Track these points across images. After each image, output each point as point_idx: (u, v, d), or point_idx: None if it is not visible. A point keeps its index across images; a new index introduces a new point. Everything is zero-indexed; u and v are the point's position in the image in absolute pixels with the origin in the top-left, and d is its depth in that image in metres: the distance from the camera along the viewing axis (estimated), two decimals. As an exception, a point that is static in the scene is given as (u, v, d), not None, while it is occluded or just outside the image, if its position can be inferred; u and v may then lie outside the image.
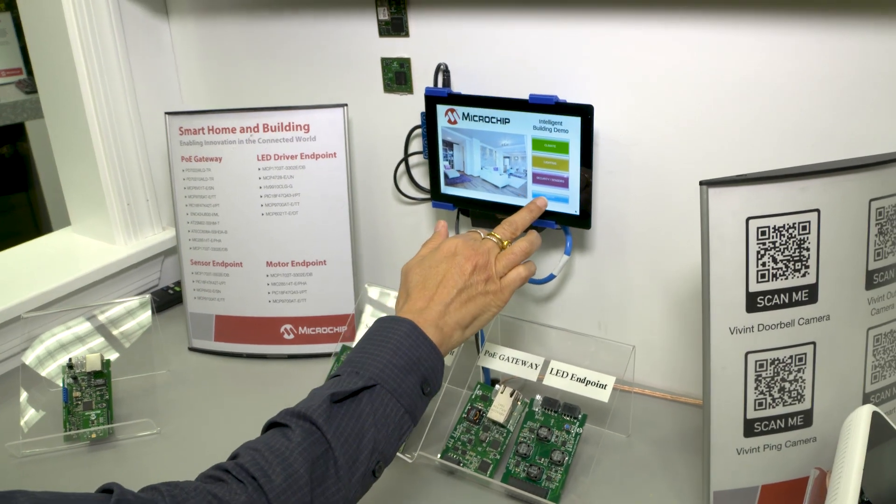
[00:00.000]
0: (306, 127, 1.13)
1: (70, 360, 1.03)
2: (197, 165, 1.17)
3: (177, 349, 1.22)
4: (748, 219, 0.71)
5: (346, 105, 1.13)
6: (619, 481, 0.90)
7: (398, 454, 0.93)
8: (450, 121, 1.01)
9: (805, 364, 0.75)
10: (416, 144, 1.13)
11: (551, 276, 1.02)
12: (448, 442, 0.93)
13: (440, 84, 1.05)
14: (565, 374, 0.91)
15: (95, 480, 0.63)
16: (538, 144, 0.96)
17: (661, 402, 1.03)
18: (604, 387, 0.89)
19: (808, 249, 0.73)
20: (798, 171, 0.71)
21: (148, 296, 1.15)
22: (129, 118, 1.29)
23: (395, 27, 1.08)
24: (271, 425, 0.70)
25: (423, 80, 1.09)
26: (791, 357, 0.75)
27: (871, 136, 0.82)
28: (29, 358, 1.07)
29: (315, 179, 1.14)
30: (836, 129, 0.84)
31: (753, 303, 0.73)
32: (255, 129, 1.14)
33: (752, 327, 0.74)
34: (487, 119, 0.98)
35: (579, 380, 0.90)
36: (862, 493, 0.62)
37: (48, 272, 1.25)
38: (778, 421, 0.76)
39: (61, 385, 1.02)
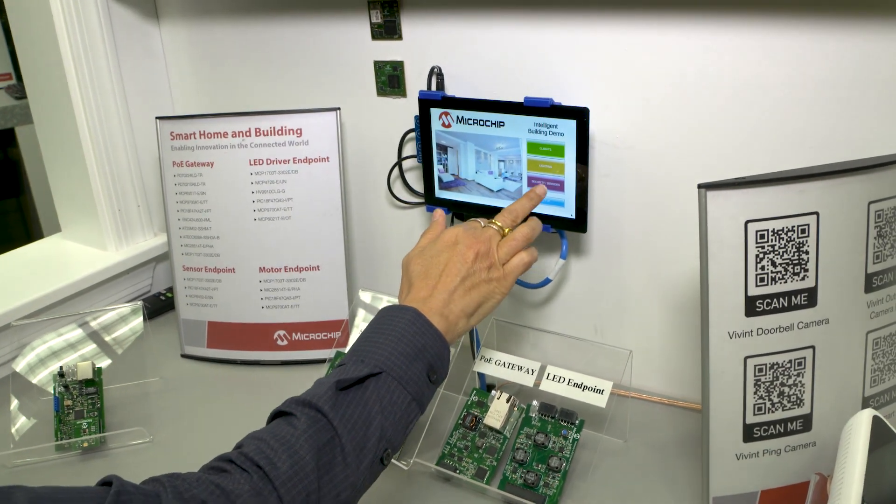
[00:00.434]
0: (299, 131, 1.12)
1: (61, 368, 1.02)
2: (188, 170, 1.16)
3: (169, 356, 1.21)
4: (747, 222, 0.71)
5: (339, 109, 1.12)
6: (617, 487, 0.89)
7: (393, 461, 0.92)
8: (444, 124, 1.00)
9: (804, 368, 0.75)
10: (410, 148, 1.12)
11: (547, 281, 1.01)
12: (444, 448, 0.92)
13: (434, 87, 1.04)
14: (562, 380, 0.91)
15: (87, 490, 0.62)
16: (533, 148, 0.95)
17: (659, 406, 1.02)
18: (601, 392, 0.88)
19: (807, 253, 0.72)
20: (796, 174, 0.71)
21: (140, 302, 1.14)
22: (120, 123, 1.28)
23: (388, 30, 1.07)
24: (276, 415, 0.70)
25: (416, 83, 1.08)
26: (790, 361, 0.74)
27: (869, 139, 0.82)
28: (20, 365, 1.06)
29: (308, 184, 1.13)
30: (835, 132, 0.83)
31: (752, 307, 0.73)
32: (247, 134, 1.13)
33: (751, 331, 0.73)
34: (482, 122, 0.97)
35: (576, 385, 0.90)
36: (862, 498, 0.61)
37: (38, 279, 1.24)
38: (777, 426, 0.76)
39: (52, 393, 1.01)
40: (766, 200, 0.71)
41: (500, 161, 0.98)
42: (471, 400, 0.95)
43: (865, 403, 0.78)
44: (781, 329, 0.74)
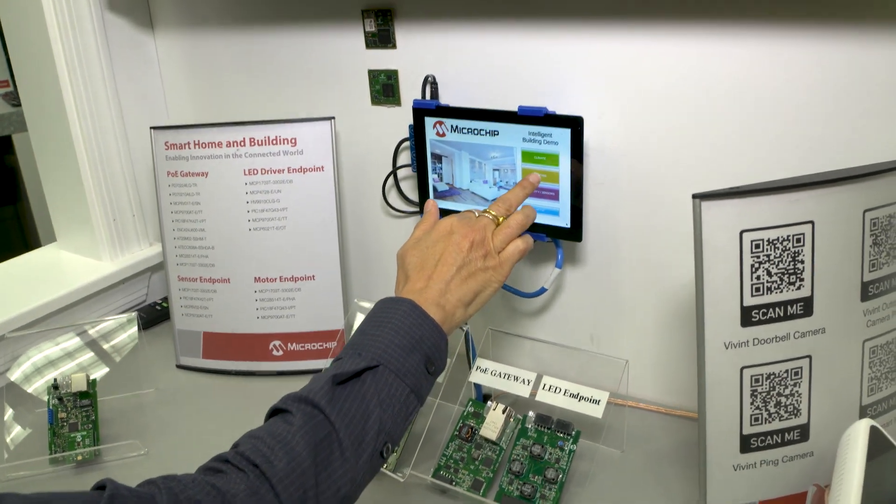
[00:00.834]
0: (293, 141, 1.12)
1: (55, 380, 1.01)
2: (183, 180, 1.15)
3: (164, 367, 1.21)
4: (742, 232, 0.71)
5: (334, 118, 1.11)
6: (615, 498, 0.88)
7: (388, 473, 0.92)
8: (438, 133, 1.00)
9: (801, 378, 0.74)
10: (405, 157, 1.12)
11: (543, 290, 1.01)
12: (440, 460, 0.92)
13: (428, 96, 1.04)
14: (558, 390, 0.90)
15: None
16: (528, 157, 0.95)
17: (656, 415, 1.02)
18: (597, 402, 0.88)
19: (802, 262, 0.72)
20: (791, 183, 0.70)
21: (134, 313, 1.14)
22: (115, 133, 1.27)
23: (382, 39, 1.07)
24: (273, 412, 0.70)
25: (410, 91, 1.07)
26: (787, 371, 0.74)
27: (863, 145, 0.82)
28: (14, 375, 1.05)
29: (303, 193, 1.12)
30: (828, 139, 0.83)
31: (748, 317, 0.72)
32: (242, 144, 1.13)
33: (747, 342, 0.73)
34: (476, 131, 0.97)
35: (572, 395, 0.89)
36: (860, 507, 0.61)
37: (33, 290, 1.23)
38: (774, 436, 0.75)
39: (47, 406, 1.00)
40: (761, 210, 0.70)
41: (494, 170, 0.98)
42: (466, 411, 0.95)
43: (863, 412, 0.77)
44: (777, 339, 0.73)
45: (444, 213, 1.03)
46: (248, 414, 1.06)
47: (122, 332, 1.14)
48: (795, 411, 0.75)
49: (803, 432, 0.76)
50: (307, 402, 0.67)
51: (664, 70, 0.89)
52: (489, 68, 1.00)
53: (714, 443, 0.75)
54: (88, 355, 1.12)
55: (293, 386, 1.11)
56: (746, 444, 0.75)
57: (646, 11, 0.88)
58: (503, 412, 0.91)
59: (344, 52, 1.11)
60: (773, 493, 0.77)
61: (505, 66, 0.99)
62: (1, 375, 1.12)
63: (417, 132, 1.02)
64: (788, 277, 0.72)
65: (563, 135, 0.91)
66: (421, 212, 1.06)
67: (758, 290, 0.72)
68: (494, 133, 0.96)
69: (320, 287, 1.14)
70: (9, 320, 1.14)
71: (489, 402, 0.94)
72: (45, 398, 1.01)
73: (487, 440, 0.91)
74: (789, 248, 0.71)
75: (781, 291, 0.72)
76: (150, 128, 1.17)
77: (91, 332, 1.13)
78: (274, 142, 1.12)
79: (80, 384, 1.00)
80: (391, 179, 1.14)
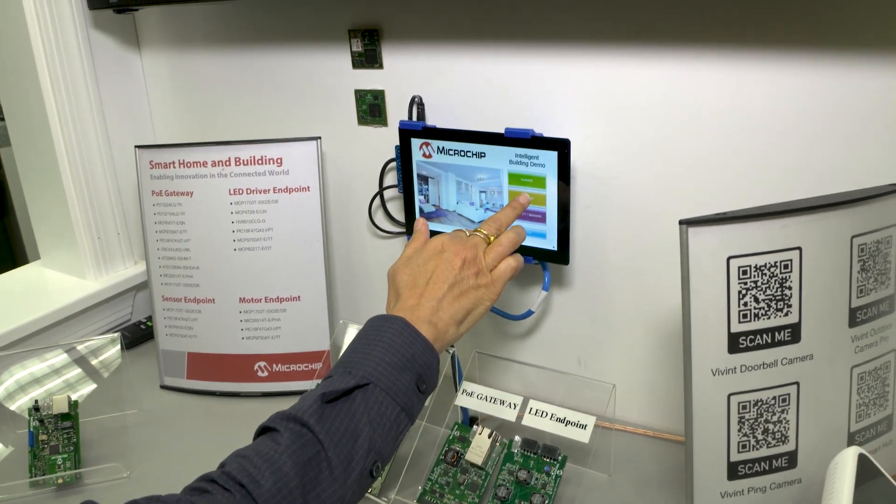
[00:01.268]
0: (279, 160, 1.11)
1: (36, 402, 1.00)
2: (168, 200, 1.14)
3: (148, 387, 1.19)
4: (729, 258, 0.70)
5: (320, 138, 1.11)
6: (602, 524, 0.88)
7: (373, 497, 0.91)
8: (424, 154, 0.99)
9: (789, 405, 0.74)
10: (391, 178, 1.11)
11: (529, 312, 1.00)
12: (425, 484, 0.91)
13: (415, 117, 1.03)
14: (545, 414, 0.89)
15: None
16: (514, 179, 0.95)
17: (643, 438, 1.01)
18: (584, 427, 0.87)
19: (790, 288, 0.72)
20: (778, 209, 0.70)
21: (118, 334, 1.12)
22: (100, 150, 1.26)
23: (368, 59, 1.06)
24: (262, 430, 0.69)
25: (397, 112, 1.07)
26: (774, 398, 0.73)
27: (850, 171, 0.81)
28: (-6, 395, 1.04)
29: (288, 214, 1.12)
30: (815, 164, 0.83)
31: (735, 343, 0.72)
32: (227, 163, 1.12)
33: (735, 368, 0.72)
34: (463, 153, 0.97)
35: (559, 420, 0.88)
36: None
37: (16, 308, 1.22)
38: (762, 463, 0.75)
39: (28, 428, 0.99)
40: (749, 236, 0.70)
41: (481, 192, 0.97)
42: (452, 434, 0.94)
43: (851, 439, 0.77)
44: (765, 365, 0.73)
45: (432, 234, 1.03)
46: (232, 435, 1.06)
47: (106, 353, 1.13)
48: (783, 438, 0.75)
49: (791, 459, 0.75)
50: (296, 420, 0.67)
51: (652, 94, 0.89)
52: (476, 90, 1.00)
53: (701, 470, 0.74)
54: (71, 375, 1.11)
55: (278, 407, 1.10)
56: (734, 472, 0.74)
57: (633, 35, 0.87)
58: (489, 436, 0.90)
59: (330, 71, 1.11)
60: (761, 521, 0.76)
61: (492, 87, 0.99)
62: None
63: (404, 153, 1.01)
64: (776, 304, 0.72)
65: (550, 157, 0.91)
66: (408, 232, 1.06)
67: (745, 316, 0.71)
68: (481, 155, 0.95)
69: (306, 308, 1.13)
70: (-9, 340, 1.13)
71: (475, 426, 0.93)
72: (26, 419, 0.99)
73: (473, 465, 0.90)
74: (777, 275, 0.71)
75: (769, 318, 0.72)
76: (135, 147, 1.16)
77: (74, 351, 1.12)
78: (260, 161, 1.11)
79: (61, 406, 0.99)
80: (377, 200, 1.13)
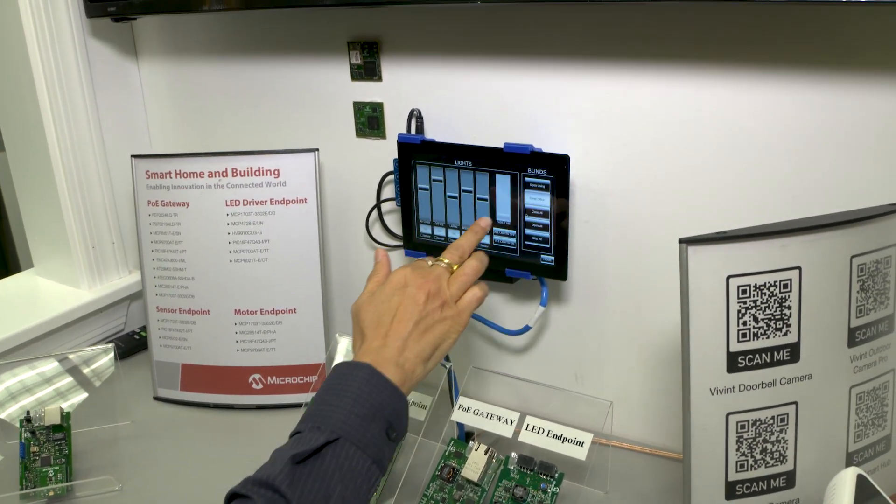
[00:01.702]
0: (276, 172, 1.11)
1: (28, 413, 0.98)
2: (163, 210, 1.14)
3: (141, 399, 1.18)
4: (728, 277, 0.70)
5: (318, 150, 1.10)
6: (598, 542, 0.87)
7: (369, 514, 0.90)
8: (423, 168, 0.99)
9: (787, 424, 0.74)
10: (389, 191, 1.11)
11: (527, 328, 1.00)
12: (421, 501, 0.90)
13: (413, 130, 1.03)
14: (541, 431, 0.89)
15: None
16: (514, 194, 0.94)
17: (640, 455, 1.00)
18: (581, 444, 0.87)
19: (789, 308, 0.71)
20: (778, 229, 0.70)
21: (111, 345, 1.11)
22: (95, 159, 1.26)
23: (367, 71, 1.06)
24: (233, 496, 0.67)
25: (396, 124, 1.07)
26: (773, 418, 0.73)
27: (850, 191, 0.81)
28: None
29: (285, 226, 1.11)
30: (818, 183, 0.83)
31: (734, 363, 0.72)
32: (224, 174, 1.11)
33: (733, 388, 0.72)
34: (462, 167, 0.96)
35: (556, 436, 0.88)
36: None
37: (8, 317, 1.21)
38: (760, 483, 0.75)
39: (19, 439, 0.98)
40: (748, 255, 0.70)
41: (479, 205, 0.97)
42: (448, 450, 0.93)
43: (850, 459, 0.76)
44: (764, 385, 0.72)
45: (430, 248, 1.02)
46: (226, 448, 1.06)
47: (99, 363, 1.12)
48: (781, 458, 0.74)
49: (789, 479, 0.75)
50: (267, 486, 0.65)
51: (651, 110, 0.89)
52: (475, 104, 1.00)
53: (699, 489, 0.74)
54: (63, 386, 1.10)
55: (273, 420, 1.11)
56: (732, 491, 0.74)
57: (633, 52, 0.87)
58: (485, 453, 0.90)
59: (329, 83, 1.11)
60: (759, 541, 0.76)
61: (491, 102, 0.98)
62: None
63: (402, 167, 1.01)
64: (775, 323, 0.71)
65: (549, 172, 0.91)
66: (406, 246, 1.05)
67: (744, 335, 0.71)
68: (480, 169, 0.95)
69: (302, 320, 1.13)
70: (-17, 350, 1.12)
71: (471, 442, 0.92)
72: (17, 431, 0.98)
73: (469, 481, 0.90)
74: (776, 294, 0.71)
75: (768, 337, 0.72)
76: (131, 156, 1.15)
77: (67, 361, 1.11)
78: (257, 173, 1.11)
79: (53, 417, 0.98)
80: (375, 213, 1.13)
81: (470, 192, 0.97)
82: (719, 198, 0.88)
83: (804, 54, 0.79)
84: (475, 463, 0.90)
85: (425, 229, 1.03)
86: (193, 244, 1.14)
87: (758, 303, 0.71)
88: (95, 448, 1.06)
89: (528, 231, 0.95)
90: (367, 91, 1.08)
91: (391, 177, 1.09)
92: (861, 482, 0.66)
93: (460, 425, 0.96)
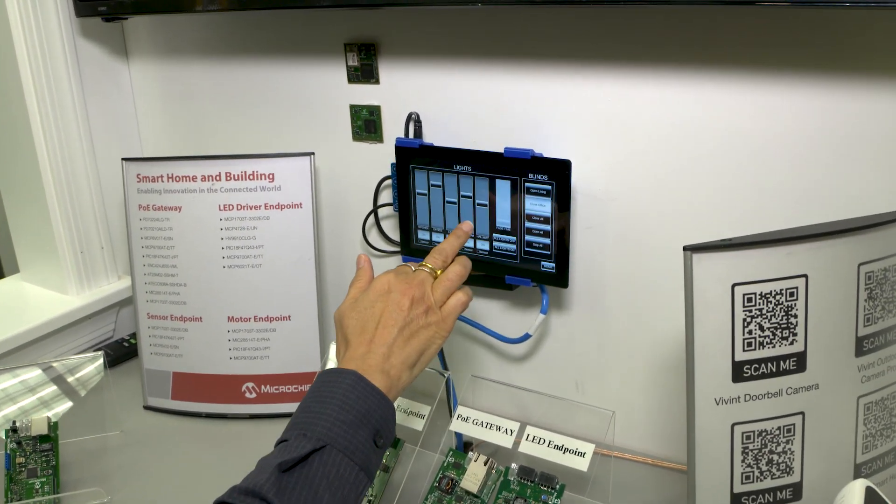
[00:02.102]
0: (271, 176, 1.09)
1: (14, 423, 0.97)
2: (155, 214, 1.12)
3: (131, 408, 1.16)
4: (734, 285, 0.69)
5: (313, 153, 1.09)
6: (600, 555, 0.86)
7: (366, 526, 0.89)
8: (421, 172, 0.98)
9: (794, 435, 0.73)
10: (386, 195, 1.09)
11: (527, 336, 0.99)
12: (419, 512, 0.88)
13: (411, 134, 1.02)
14: (542, 441, 0.87)
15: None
16: (514, 199, 0.93)
17: (643, 466, 0.99)
18: (582, 455, 0.85)
19: (795, 316, 0.70)
20: (784, 236, 0.69)
21: (100, 353, 1.09)
22: (84, 162, 1.24)
23: (364, 74, 1.04)
24: None
25: (393, 128, 1.05)
26: (779, 428, 0.72)
27: (858, 196, 0.81)
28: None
29: (280, 231, 1.10)
30: (823, 189, 0.82)
31: (740, 372, 0.71)
32: (217, 178, 1.10)
33: (739, 398, 0.71)
34: (461, 172, 0.95)
35: (557, 447, 0.87)
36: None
37: (-6, 324, 1.19)
38: (766, 494, 0.73)
39: (4, 450, 0.96)
40: (754, 263, 0.69)
41: (478, 210, 0.96)
42: (447, 461, 0.92)
43: (857, 470, 0.75)
44: (770, 395, 0.71)
45: (426, 253, 1.01)
46: (219, 459, 1.04)
47: (87, 372, 1.09)
48: (788, 469, 0.73)
49: (796, 491, 0.74)
50: (254, 494, 0.64)
51: (655, 114, 0.88)
52: (475, 108, 0.99)
53: (703, 501, 0.73)
54: (50, 395, 1.07)
55: (266, 430, 1.09)
56: (737, 503, 0.73)
57: (635, 57, 0.87)
58: (485, 463, 0.88)
59: (325, 86, 1.09)
60: (765, 555, 0.74)
61: (491, 106, 0.97)
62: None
63: (400, 171, 0.99)
64: (781, 332, 0.70)
65: (550, 178, 0.89)
66: (403, 252, 1.04)
67: (749, 344, 0.70)
68: (480, 174, 0.94)
69: (297, 328, 1.11)
70: (-33, 358, 1.10)
71: (470, 452, 0.91)
72: (2, 444, 0.96)
73: (468, 493, 0.88)
74: (782, 302, 0.70)
75: (774, 346, 0.71)
76: (122, 159, 1.14)
77: (53, 369, 1.09)
78: (251, 177, 1.09)
79: (40, 427, 0.96)
80: (372, 218, 1.11)
81: (469, 197, 0.96)
82: (725, 202, 0.87)
83: (803, 58, 0.79)
84: (474, 474, 0.88)
85: (423, 235, 1.01)
86: (186, 249, 1.12)
87: (764, 311, 0.70)
88: (84, 459, 1.04)
89: (528, 237, 0.94)
90: (364, 94, 1.06)
91: (388, 181, 1.07)
92: (870, 494, 0.65)
93: (459, 435, 0.95)
